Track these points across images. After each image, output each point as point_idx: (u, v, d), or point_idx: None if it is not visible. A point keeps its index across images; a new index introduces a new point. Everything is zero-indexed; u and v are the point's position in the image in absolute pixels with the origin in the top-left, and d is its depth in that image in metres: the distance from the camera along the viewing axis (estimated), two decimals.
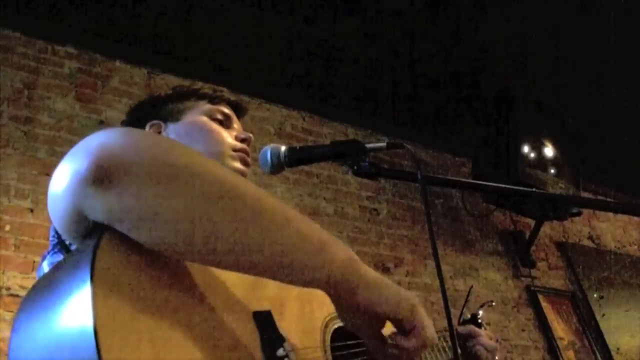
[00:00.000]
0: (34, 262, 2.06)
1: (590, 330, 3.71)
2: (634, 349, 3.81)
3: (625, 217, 4.59)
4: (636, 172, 4.02)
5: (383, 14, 2.81)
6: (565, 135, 3.53)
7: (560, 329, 3.59)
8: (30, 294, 0.57)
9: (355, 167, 0.90)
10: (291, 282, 0.65)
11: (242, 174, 1.01)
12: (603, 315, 3.82)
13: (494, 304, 1.34)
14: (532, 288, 3.66)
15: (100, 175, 0.55)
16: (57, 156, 2.37)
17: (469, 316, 1.26)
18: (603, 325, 3.75)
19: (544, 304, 3.63)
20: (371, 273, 0.68)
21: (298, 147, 0.95)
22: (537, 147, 3.37)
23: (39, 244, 2.09)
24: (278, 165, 0.94)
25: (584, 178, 3.61)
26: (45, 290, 0.56)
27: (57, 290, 0.54)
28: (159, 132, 1.04)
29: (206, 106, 1.07)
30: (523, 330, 3.45)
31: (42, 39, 2.57)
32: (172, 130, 1.04)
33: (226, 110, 1.09)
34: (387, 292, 0.68)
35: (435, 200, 3.61)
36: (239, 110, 1.15)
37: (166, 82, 2.86)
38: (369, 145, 0.91)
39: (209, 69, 2.91)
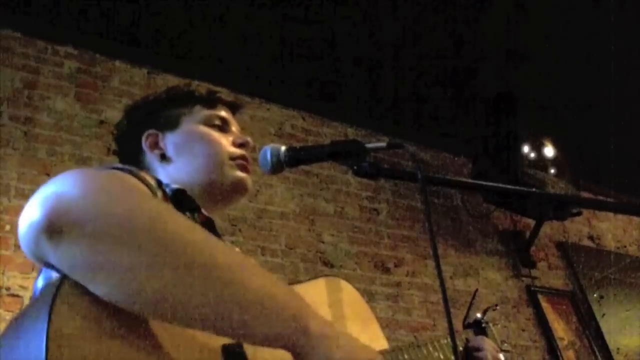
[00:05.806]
0: None
1: (590, 330, 3.70)
2: (634, 349, 3.81)
3: (625, 217, 4.58)
4: (636, 172, 4.02)
5: (383, 14, 2.81)
6: (565, 135, 3.53)
7: (560, 329, 3.58)
8: (1, 338, 0.58)
9: (355, 167, 0.90)
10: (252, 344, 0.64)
11: (243, 180, 1.01)
12: (603, 315, 3.82)
13: (497, 307, 1.33)
14: (532, 288, 3.66)
15: (52, 229, 0.56)
16: (57, 156, 2.37)
17: (478, 316, 1.25)
18: (603, 325, 3.75)
19: (544, 304, 3.63)
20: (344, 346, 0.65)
21: (298, 147, 0.95)
22: (537, 147, 3.37)
23: None
24: (278, 165, 0.94)
25: (584, 178, 3.61)
26: (13, 339, 0.56)
27: (17, 346, 0.54)
28: (157, 142, 1.04)
29: (202, 112, 1.05)
30: (523, 330, 3.44)
31: (42, 39, 2.57)
32: (170, 141, 1.03)
33: (223, 113, 1.08)
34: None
35: (435, 200, 3.60)
36: (235, 109, 1.14)
37: (166, 82, 2.85)
38: (369, 145, 0.91)
39: (208, 69, 2.91)
